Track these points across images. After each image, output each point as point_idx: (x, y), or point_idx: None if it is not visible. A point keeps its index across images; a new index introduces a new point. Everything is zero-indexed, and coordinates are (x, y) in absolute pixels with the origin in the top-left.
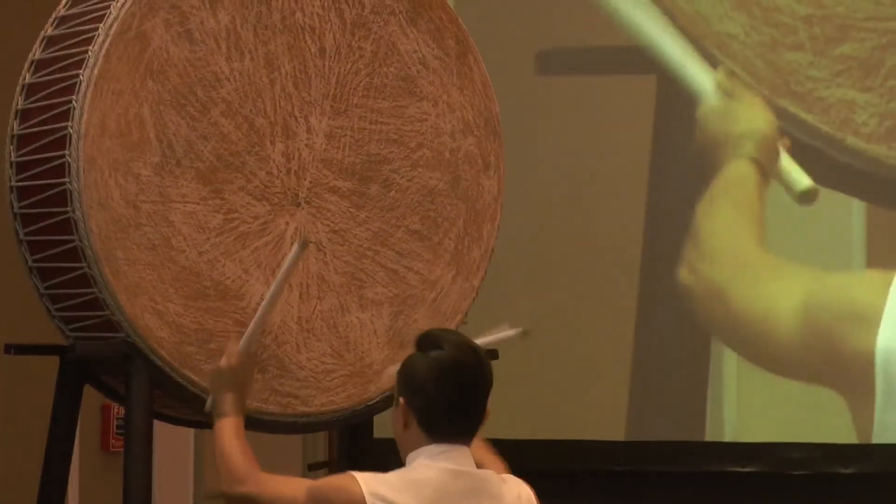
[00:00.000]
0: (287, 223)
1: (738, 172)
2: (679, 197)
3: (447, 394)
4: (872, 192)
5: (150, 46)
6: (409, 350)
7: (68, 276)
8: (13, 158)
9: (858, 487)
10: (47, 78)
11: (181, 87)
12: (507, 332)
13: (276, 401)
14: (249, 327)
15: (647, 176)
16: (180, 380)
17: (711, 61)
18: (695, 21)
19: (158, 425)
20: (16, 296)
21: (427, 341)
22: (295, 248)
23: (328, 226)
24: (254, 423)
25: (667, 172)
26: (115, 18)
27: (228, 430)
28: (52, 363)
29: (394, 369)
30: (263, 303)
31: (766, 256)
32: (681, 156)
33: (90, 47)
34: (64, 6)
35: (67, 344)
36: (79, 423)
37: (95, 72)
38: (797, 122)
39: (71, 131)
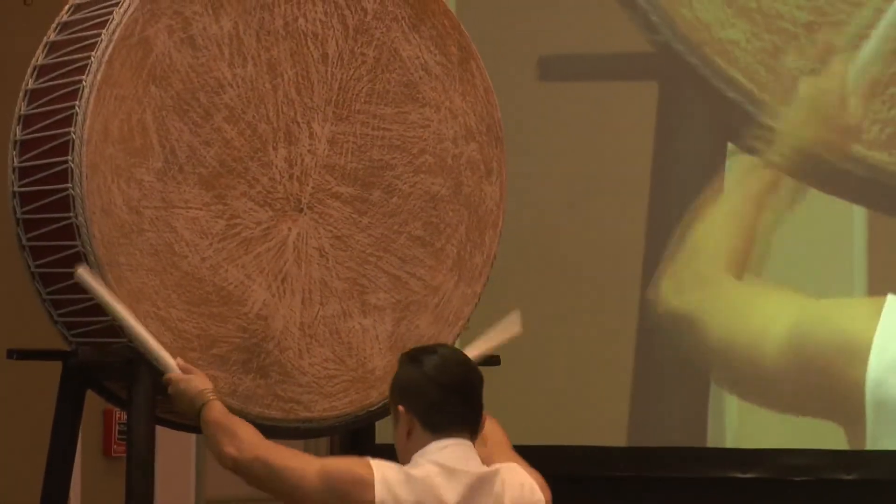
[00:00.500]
0: (289, 229)
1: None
2: (681, 203)
3: (445, 387)
4: (873, 199)
5: (153, 52)
6: None
7: (71, 281)
8: (16, 164)
9: (860, 494)
10: (50, 83)
11: (184, 92)
12: (506, 328)
13: (278, 406)
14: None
15: (649, 182)
16: None
17: (713, 68)
18: (696, 28)
19: (160, 431)
20: (18, 301)
21: (412, 354)
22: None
23: (330, 231)
24: (256, 428)
25: (668, 179)
26: (118, 24)
27: (220, 408)
28: (55, 368)
29: None
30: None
31: (752, 283)
32: (682, 162)
33: (93, 53)
34: (67, 11)
35: (70, 349)
36: (81, 428)
37: (98, 77)
38: None
39: (74, 137)
